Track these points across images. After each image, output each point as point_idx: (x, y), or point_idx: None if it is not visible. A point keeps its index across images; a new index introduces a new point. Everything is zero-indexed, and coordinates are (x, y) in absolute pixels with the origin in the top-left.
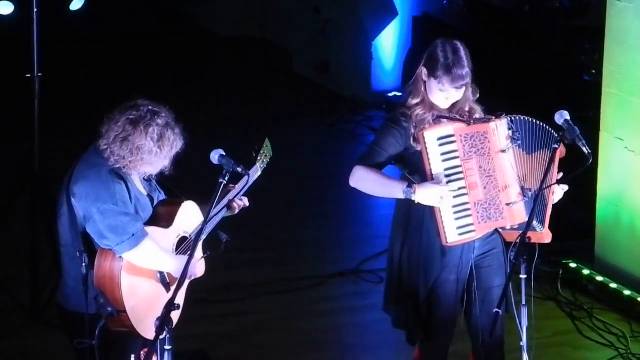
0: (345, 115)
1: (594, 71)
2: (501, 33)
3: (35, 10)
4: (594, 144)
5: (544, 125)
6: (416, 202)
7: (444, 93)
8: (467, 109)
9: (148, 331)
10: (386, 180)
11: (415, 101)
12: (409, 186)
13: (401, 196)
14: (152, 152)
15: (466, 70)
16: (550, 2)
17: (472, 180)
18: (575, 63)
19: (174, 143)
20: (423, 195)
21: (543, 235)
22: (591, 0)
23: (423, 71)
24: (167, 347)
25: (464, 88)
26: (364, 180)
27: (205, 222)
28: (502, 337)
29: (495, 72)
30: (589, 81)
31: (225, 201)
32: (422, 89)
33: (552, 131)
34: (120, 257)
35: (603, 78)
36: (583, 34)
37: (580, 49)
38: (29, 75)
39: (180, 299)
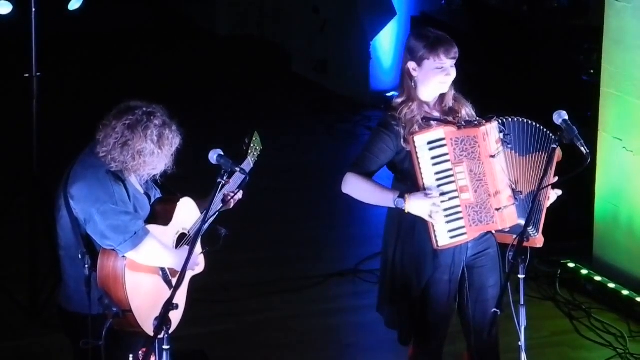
0: (344, 114)
1: (592, 71)
2: (499, 33)
3: (34, 10)
4: (592, 144)
5: (539, 126)
6: (407, 211)
7: (443, 70)
8: (451, 103)
9: (152, 329)
10: (377, 189)
11: (400, 99)
12: (400, 196)
13: (392, 206)
14: (154, 154)
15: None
16: (548, 2)
17: (463, 184)
18: (574, 63)
19: (173, 140)
20: (413, 207)
21: (536, 239)
22: (590, 0)
23: (410, 66)
24: (166, 346)
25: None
26: (355, 188)
27: (203, 222)
28: (497, 337)
29: (493, 72)
30: (587, 81)
31: (220, 196)
32: (411, 85)
33: (549, 132)
34: (124, 256)
35: (601, 78)
36: (581, 33)
37: (579, 49)
38: (27, 75)
39: (180, 299)
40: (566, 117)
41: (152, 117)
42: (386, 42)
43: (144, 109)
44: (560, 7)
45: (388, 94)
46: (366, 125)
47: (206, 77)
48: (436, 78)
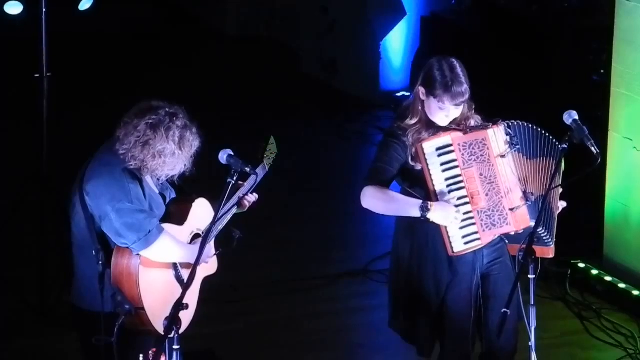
0: (353, 115)
1: (602, 71)
2: (509, 33)
3: (44, 10)
4: (602, 144)
5: (544, 133)
6: (431, 220)
7: (444, 111)
8: (459, 119)
9: (163, 329)
10: (399, 199)
11: (414, 121)
12: (424, 203)
13: (417, 214)
14: (174, 155)
15: (465, 86)
16: (558, 2)
17: (474, 189)
18: (584, 63)
19: (193, 142)
20: (438, 214)
21: (549, 249)
22: (600, 0)
23: (421, 90)
24: (176, 346)
25: (463, 105)
26: (376, 200)
27: (214, 222)
28: (514, 346)
29: (503, 72)
30: (598, 81)
31: (235, 199)
32: (420, 108)
33: (553, 139)
34: (138, 254)
35: (611, 78)
36: (591, 33)
37: (589, 49)
38: (37, 75)
39: (191, 299)
40: (576, 117)
41: (174, 118)
42: (396, 42)
43: (167, 109)
44: (570, 7)
45: (398, 94)
46: (376, 125)
47: (215, 78)
48: (437, 114)
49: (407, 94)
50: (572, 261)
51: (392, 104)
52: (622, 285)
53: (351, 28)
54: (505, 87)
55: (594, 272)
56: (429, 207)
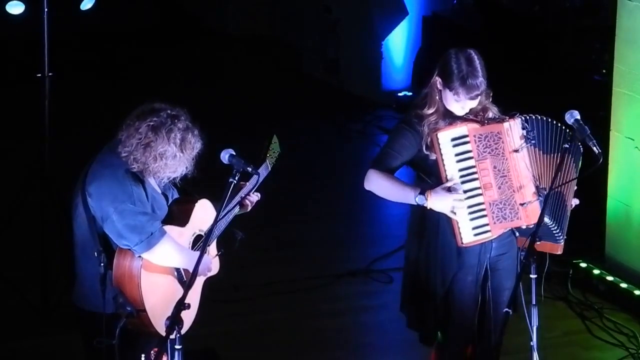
0: (355, 114)
1: (604, 71)
2: (511, 33)
3: (46, 10)
4: (604, 144)
5: (560, 126)
6: (428, 208)
7: (460, 103)
8: (479, 108)
9: (165, 329)
10: (399, 185)
11: (431, 111)
12: (422, 193)
13: (413, 203)
14: (176, 157)
15: (480, 79)
16: (560, 2)
17: (487, 181)
18: (585, 62)
19: (195, 145)
20: (435, 203)
21: (558, 246)
22: (601, 0)
23: (437, 81)
24: (178, 346)
25: (479, 97)
26: (377, 184)
27: (215, 222)
28: (501, 339)
29: (505, 72)
30: (599, 81)
31: (237, 199)
32: (438, 97)
33: (568, 131)
34: (140, 256)
35: (613, 77)
36: (593, 33)
37: (590, 49)
38: (39, 75)
39: (193, 299)
40: (578, 117)
41: (176, 121)
42: (398, 41)
43: (169, 111)
44: (572, 6)
45: (399, 94)
46: (378, 124)
47: (217, 77)
48: (453, 105)
49: (409, 93)
50: (574, 261)
51: (394, 104)
52: (623, 285)
53: (353, 28)
54: (507, 87)
55: (596, 271)
56: (426, 196)
